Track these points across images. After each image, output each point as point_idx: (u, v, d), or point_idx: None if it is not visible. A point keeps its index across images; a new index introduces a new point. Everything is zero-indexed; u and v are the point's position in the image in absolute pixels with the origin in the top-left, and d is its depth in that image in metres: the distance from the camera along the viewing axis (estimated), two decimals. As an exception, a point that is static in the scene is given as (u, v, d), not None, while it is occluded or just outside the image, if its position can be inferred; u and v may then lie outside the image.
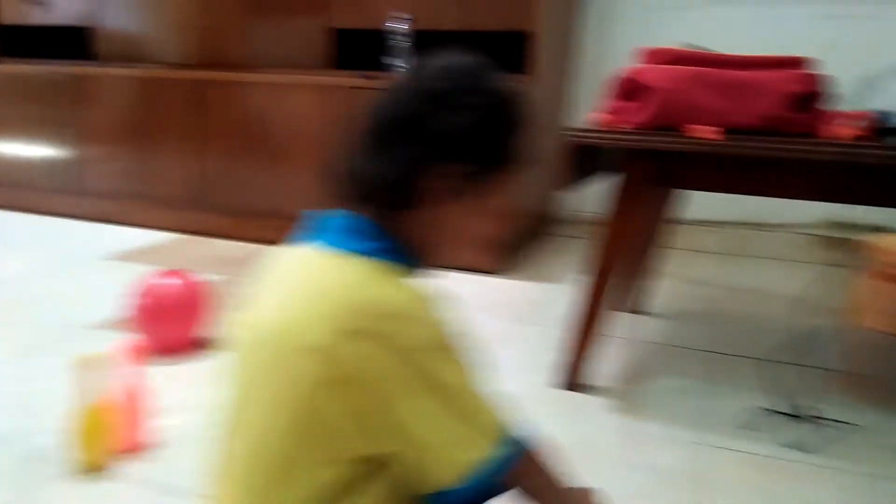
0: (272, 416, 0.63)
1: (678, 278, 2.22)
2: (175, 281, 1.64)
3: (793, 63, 1.31)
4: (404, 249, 0.67)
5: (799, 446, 1.23)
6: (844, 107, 1.32)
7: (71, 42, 2.98)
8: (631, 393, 1.45)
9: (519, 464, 0.68)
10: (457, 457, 0.64)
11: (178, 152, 2.58)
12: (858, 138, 1.21)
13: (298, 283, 0.66)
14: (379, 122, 0.67)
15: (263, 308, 0.67)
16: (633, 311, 1.91)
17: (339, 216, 0.68)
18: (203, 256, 2.36)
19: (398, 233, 0.67)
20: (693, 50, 1.41)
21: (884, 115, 1.22)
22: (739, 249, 2.53)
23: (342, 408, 0.61)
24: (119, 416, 1.16)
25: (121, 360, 1.16)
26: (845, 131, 1.23)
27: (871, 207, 1.98)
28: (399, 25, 2.29)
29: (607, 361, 1.58)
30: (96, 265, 2.26)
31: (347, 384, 0.60)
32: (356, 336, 0.60)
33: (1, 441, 1.21)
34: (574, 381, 1.45)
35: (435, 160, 0.65)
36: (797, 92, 1.25)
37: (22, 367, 1.51)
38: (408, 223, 0.67)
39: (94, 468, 1.12)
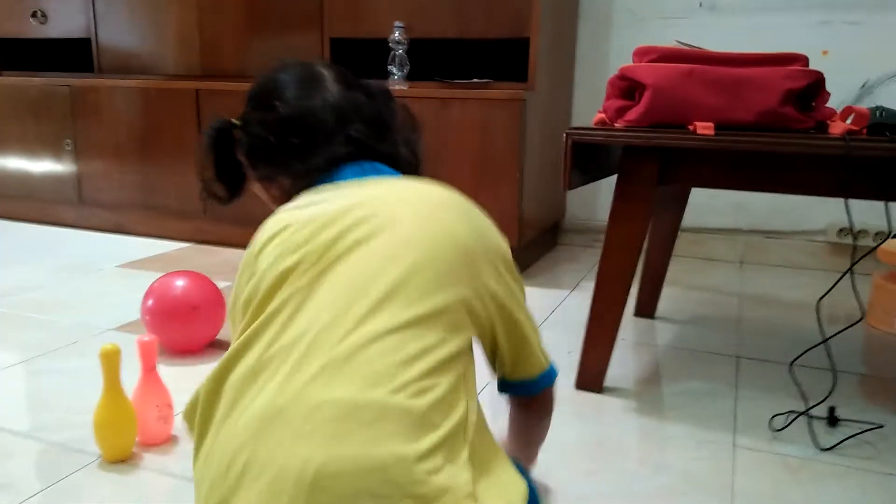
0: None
1: (687, 286, 2.21)
2: (183, 281, 1.60)
3: (790, 60, 1.31)
4: None
5: (822, 448, 1.22)
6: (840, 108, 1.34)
7: (71, 55, 3.01)
8: (651, 396, 1.43)
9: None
10: (541, 359, 0.82)
11: (178, 162, 2.60)
12: (852, 133, 1.22)
13: (442, 199, 0.75)
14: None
15: (434, 221, 0.71)
16: (643, 316, 1.91)
17: (376, 165, 0.84)
18: (211, 264, 2.37)
19: None
20: (687, 48, 1.40)
21: (879, 112, 1.22)
22: (750, 257, 2.52)
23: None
24: (140, 409, 1.18)
25: (140, 356, 1.19)
26: (840, 128, 1.23)
27: (881, 213, 2.02)
28: (394, 34, 2.32)
29: (625, 365, 1.57)
30: (106, 273, 2.26)
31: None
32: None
33: (26, 437, 1.22)
34: (593, 382, 1.44)
35: None
36: (794, 88, 1.25)
37: (40, 368, 1.51)
38: None
39: (118, 459, 1.15)
